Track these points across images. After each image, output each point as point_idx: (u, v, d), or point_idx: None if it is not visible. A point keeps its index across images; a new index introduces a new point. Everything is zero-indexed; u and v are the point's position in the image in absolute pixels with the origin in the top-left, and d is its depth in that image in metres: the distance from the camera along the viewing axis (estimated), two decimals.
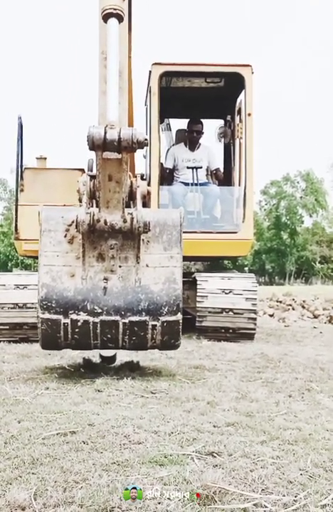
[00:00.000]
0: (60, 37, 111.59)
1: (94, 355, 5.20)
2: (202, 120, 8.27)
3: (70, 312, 4.00)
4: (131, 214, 4.02)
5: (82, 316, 4.00)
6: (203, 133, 8.14)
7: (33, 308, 6.56)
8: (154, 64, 7.40)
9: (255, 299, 6.86)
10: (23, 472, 2.31)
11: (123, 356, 5.24)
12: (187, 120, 8.39)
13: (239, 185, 8.02)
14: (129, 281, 4.06)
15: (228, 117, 8.41)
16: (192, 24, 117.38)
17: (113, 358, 4.73)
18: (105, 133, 3.75)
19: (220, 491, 2.07)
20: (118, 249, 4.09)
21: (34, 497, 2.06)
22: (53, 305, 4.00)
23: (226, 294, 6.78)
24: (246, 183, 7.48)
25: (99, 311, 4.01)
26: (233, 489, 2.11)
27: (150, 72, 7.44)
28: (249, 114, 7.42)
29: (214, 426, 3.03)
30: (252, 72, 7.41)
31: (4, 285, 6.78)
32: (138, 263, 4.07)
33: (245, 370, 4.76)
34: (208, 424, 3.04)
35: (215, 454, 2.55)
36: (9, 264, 49.99)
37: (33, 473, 2.30)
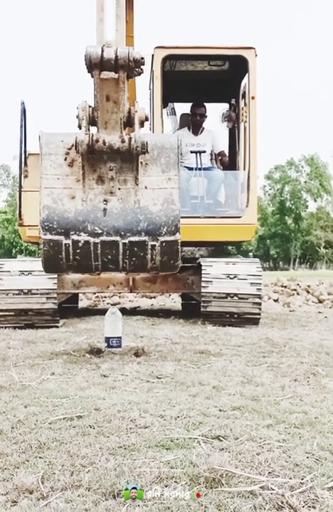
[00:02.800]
0: (63, 21, 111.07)
1: (99, 341, 5.22)
2: (207, 104, 8.21)
3: (71, 233, 4.04)
4: (129, 134, 4.06)
5: (83, 237, 4.04)
6: (206, 116, 8.06)
7: (37, 294, 6.58)
8: (156, 47, 7.34)
9: (260, 283, 6.84)
10: (30, 456, 2.33)
11: (129, 342, 5.26)
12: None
13: (244, 169, 7.97)
14: (128, 203, 4.10)
15: (233, 101, 8.33)
16: (199, 10, 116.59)
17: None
18: (102, 51, 3.79)
19: (227, 474, 2.08)
20: (117, 171, 4.12)
21: (41, 480, 2.07)
22: (55, 226, 4.04)
23: (231, 279, 6.77)
24: (250, 167, 7.42)
25: (100, 231, 4.05)
26: (239, 472, 2.12)
27: (153, 55, 7.39)
28: (253, 98, 7.34)
29: (220, 410, 3.03)
30: (256, 55, 7.32)
31: (9, 271, 6.78)
32: (137, 185, 4.10)
33: (250, 355, 4.76)
34: (214, 409, 3.05)
35: (221, 438, 2.56)
36: (13, 251, 50.09)
37: (40, 457, 2.31)
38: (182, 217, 7.84)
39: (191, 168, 7.70)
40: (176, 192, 4.09)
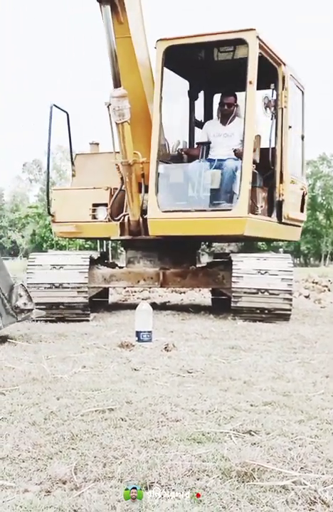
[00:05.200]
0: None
1: (129, 335, 5.25)
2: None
3: None
4: None
5: None
6: (236, 106, 7.85)
7: (69, 288, 6.65)
8: (158, 40, 7.21)
9: (291, 279, 6.78)
10: (63, 447, 2.36)
11: (159, 336, 5.28)
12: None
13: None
14: None
15: (272, 86, 8.01)
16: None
17: None
18: None
19: (259, 469, 2.07)
20: None
21: (74, 471, 2.10)
22: None
23: (262, 274, 6.72)
24: (243, 156, 6.99)
25: None
26: (271, 467, 2.11)
27: (155, 48, 7.30)
28: (250, 83, 6.95)
29: (251, 405, 3.02)
30: (257, 36, 6.93)
31: (41, 265, 6.87)
32: None
33: (281, 351, 4.73)
34: (245, 403, 3.04)
35: (253, 433, 2.55)
36: (44, 245, 50.57)
37: (73, 449, 2.34)
38: (175, 212, 7.70)
39: (210, 160, 7.53)
40: None
